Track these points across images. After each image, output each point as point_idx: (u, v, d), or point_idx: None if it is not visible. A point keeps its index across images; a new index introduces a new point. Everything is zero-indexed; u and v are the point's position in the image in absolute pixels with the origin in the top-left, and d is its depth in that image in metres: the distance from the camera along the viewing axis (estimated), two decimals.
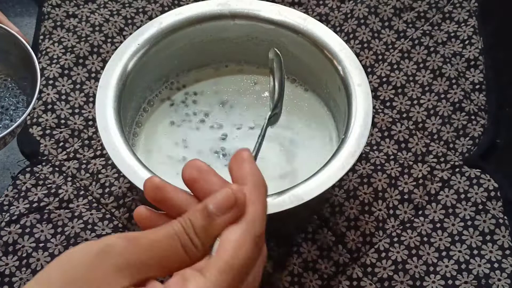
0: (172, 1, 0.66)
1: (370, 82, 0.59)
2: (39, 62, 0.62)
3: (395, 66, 0.63)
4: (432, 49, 0.64)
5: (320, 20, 0.60)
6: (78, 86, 0.61)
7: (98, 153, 0.58)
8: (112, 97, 0.48)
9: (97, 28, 0.64)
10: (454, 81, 0.62)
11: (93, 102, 0.60)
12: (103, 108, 0.47)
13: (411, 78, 0.62)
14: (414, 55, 0.64)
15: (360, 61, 0.52)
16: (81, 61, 0.62)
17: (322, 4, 0.67)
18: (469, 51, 0.64)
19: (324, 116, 0.55)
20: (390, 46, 0.64)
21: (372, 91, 0.51)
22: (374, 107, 0.59)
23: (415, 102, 0.61)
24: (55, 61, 0.62)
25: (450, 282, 0.52)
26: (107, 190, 0.56)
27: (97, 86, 0.49)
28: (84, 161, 0.57)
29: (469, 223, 0.55)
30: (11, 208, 0.54)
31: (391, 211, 0.56)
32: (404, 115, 0.61)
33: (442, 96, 0.61)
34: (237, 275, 0.30)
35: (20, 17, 0.68)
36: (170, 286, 0.28)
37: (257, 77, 0.57)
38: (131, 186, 0.55)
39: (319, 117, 0.54)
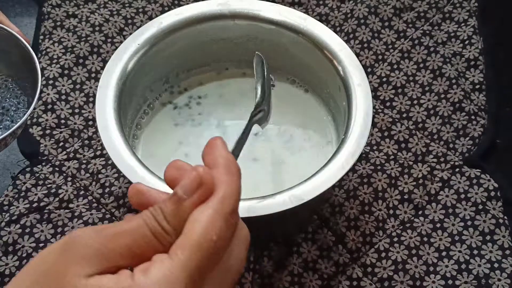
0: (172, 1, 0.66)
1: (370, 82, 0.59)
2: (39, 62, 0.61)
3: (395, 66, 0.63)
4: (432, 49, 0.64)
5: (320, 20, 0.60)
6: (78, 86, 0.61)
7: (98, 153, 0.58)
8: (112, 97, 0.48)
9: (97, 28, 0.64)
10: (454, 81, 0.62)
11: (93, 102, 0.60)
12: (103, 108, 0.47)
13: (411, 78, 0.62)
14: (414, 55, 0.64)
15: (360, 61, 0.52)
16: (81, 61, 0.62)
17: (322, 4, 0.67)
18: (469, 51, 0.64)
19: (324, 119, 0.54)
20: (390, 46, 0.64)
21: (372, 91, 0.51)
22: (374, 107, 0.59)
23: (415, 102, 0.61)
24: (55, 61, 0.62)
25: (450, 282, 0.52)
26: (107, 190, 0.56)
27: (97, 86, 0.49)
28: (84, 161, 0.57)
29: (469, 223, 0.55)
30: (11, 208, 0.54)
31: (391, 211, 0.56)
32: (404, 115, 0.61)
33: (442, 96, 0.61)
34: (207, 255, 0.28)
35: (20, 17, 0.68)
36: (135, 271, 0.28)
37: None
38: None
39: (318, 120, 0.54)
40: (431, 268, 0.53)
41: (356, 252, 0.53)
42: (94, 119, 0.59)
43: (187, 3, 0.65)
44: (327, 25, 0.57)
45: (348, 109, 0.48)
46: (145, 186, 0.32)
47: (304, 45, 0.52)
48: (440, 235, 0.54)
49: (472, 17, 0.66)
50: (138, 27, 0.55)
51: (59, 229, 0.53)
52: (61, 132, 0.59)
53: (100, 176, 0.56)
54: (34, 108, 0.59)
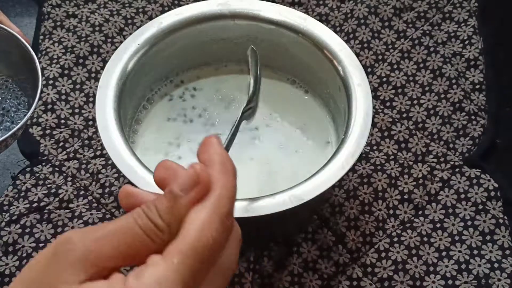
0: (172, 1, 0.66)
1: (370, 82, 0.59)
2: (39, 62, 0.61)
3: (395, 66, 0.63)
4: (432, 49, 0.64)
5: (320, 20, 0.60)
6: (78, 86, 0.61)
7: (98, 153, 0.58)
8: (112, 97, 0.48)
9: (97, 28, 0.64)
10: (454, 81, 0.62)
11: (93, 102, 0.60)
12: (103, 108, 0.47)
13: (411, 78, 0.62)
14: (414, 55, 0.64)
15: (360, 61, 0.52)
16: (81, 61, 0.62)
17: (322, 4, 0.67)
18: (469, 51, 0.64)
19: (324, 119, 0.54)
20: (390, 46, 0.64)
21: (372, 91, 0.51)
22: (374, 107, 0.59)
23: (415, 102, 0.61)
24: (55, 61, 0.62)
25: (450, 282, 0.52)
26: (107, 190, 0.56)
27: (97, 86, 0.49)
28: (84, 161, 0.57)
29: (469, 223, 0.55)
30: (11, 208, 0.54)
31: (391, 211, 0.56)
32: (404, 115, 0.61)
33: (442, 96, 0.61)
34: (202, 259, 0.27)
35: (20, 17, 0.68)
36: (128, 276, 0.27)
37: (263, 80, 0.57)
38: None
39: (318, 120, 0.54)
40: (431, 268, 0.53)
41: (356, 252, 0.53)
42: (94, 119, 0.59)
43: (187, 3, 0.65)
44: (327, 25, 0.57)
45: (348, 109, 0.48)
46: (134, 188, 0.32)
47: (304, 45, 0.52)
48: (440, 235, 0.54)
49: (472, 17, 0.66)
50: (138, 27, 0.55)
51: (59, 229, 0.53)
52: (61, 132, 0.59)
53: (100, 176, 0.56)
54: (35, 109, 0.59)
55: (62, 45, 0.63)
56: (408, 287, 0.52)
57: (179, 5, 0.66)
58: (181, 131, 0.53)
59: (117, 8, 0.66)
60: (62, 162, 0.57)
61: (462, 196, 0.56)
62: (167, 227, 0.28)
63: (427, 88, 0.62)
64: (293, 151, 0.53)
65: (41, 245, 0.53)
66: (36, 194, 0.55)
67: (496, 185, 0.57)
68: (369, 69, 0.63)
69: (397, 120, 0.60)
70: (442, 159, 0.58)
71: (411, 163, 0.58)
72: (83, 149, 0.58)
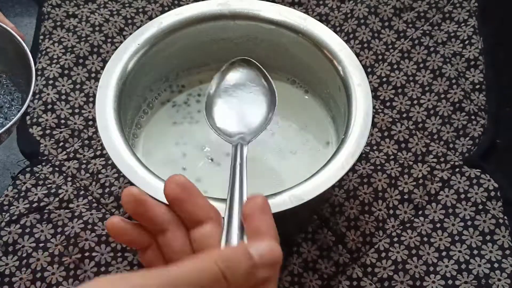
0: (172, 1, 0.66)
1: (370, 82, 0.59)
2: (39, 62, 0.62)
3: (395, 66, 0.63)
4: (432, 49, 0.64)
5: (320, 20, 0.60)
6: (78, 86, 0.61)
7: (98, 153, 0.58)
8: (112, 97, 0.48)
9: (97, 28, 0.64)
10: (454, 81, 0.62)
11: (93, 102, 0.60)
12: (103, 108, 0.47)
13: (411, 78, 0.62)
14: (414, 55, 0.64)
15: (360, 61, 0.52)
16: (81, 61, 0.62)
17: (322, 4, 0.67)
18: (469, 51, 0.64)
19: (324, 119, 0.54)
20: (390, 46, 0.64)
21: (372, 91, 0.51)
22: (374, 107, 0.59)
23: (415, 102, 0.61)
24: (55, 61, 0.62)
25: (450, 282, 0.52)
26: (107, 190, 0.56)
27: (97, 86, 0.49)
28: (84, 161, 0.57)
29: (469, 223, 0.55)
30: (11, 208, 0.54)
31: (391, 211, 0.56)
32: (404, 115, 0.61)
33: (442, 96, 0.61)
34: None
35: (20, 17, 0.68)
36: None
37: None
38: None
39: (318, 120, 0.54)
40: (431, 268, 0.53)
41: (356, 252, 0.53)
42: (94, 119, 0.59)
43: (187, 3, 0.65)
44: (327, 25, 0.57)
45: (348, 109, 0.48)
46: (140, 193, 0.32)
47: (304, 45, 0.52)
48: (440, 235, 0.54)
49: (472, 17, 0.66)
50: (138, 27, 0.55)
51: (59, 229, 0.53)
52: (61, 132, 0.59)
53: (100, 176, 0.56)
54: (34, 108, 0.59)
55: (62, 45, 0.63)
56: (408, 287, 0.52)
57: (179, 5, 0.66)
58: (186, 131, 0.53)
59: (117, 8, 0.66)
60: (62, 162, 0.57)
61: (462, 196, 0.56)
62: None
63: (427, 88, 0.62)
64: (293, 151, 0.53)
65: (41, 245, 0.53)
66: (36, 194, 0.55)
67: (496, 185, 0.57)
68: (369, 69, 0.63)
69: (397, 120, 0.60)
70: (442, 159, 0.58)
71: (411, 163, 0.58)
72: (83, 149, 0.58)
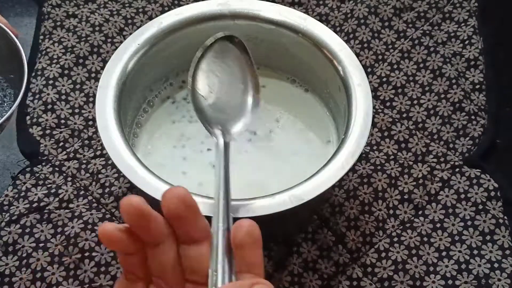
0: (172, 1, 0.66)
1: (370, 82, 0.59)
2: (39, 62, 0.62)
3: (395, 66, 0.63)
4: (432, 49, 0.64)
5: (320, 20, 0.60)
6: (78, 86, 0.61)
7: (98, 153, 0.58)
8: (112, 97, 0.48)
9: (97, 28, 0.64)
10: (454, 81, 0.62)
11: (93, 102, 0.60)
12: (103, 108, 0.47)
13: (411, 78, 0.62)
14: (414, 55, 0.64)
15: (360, 61, 0.52)
16: (81, 61, 0.62)
17: (322, 4, 0.67)
18: (469, 51, 0.64)
19: (324, 119, 0.54)
20: (390, 46, 0.64)
21: (372, 91, 0.51)
22: (374, 107, 0.59)
23: (415, 102, 0.61)
24: (55, 61, 0.62)
25: (450, 282, 0.52)
26: (107, 190, 0.56)
27: (97, 86, 0.49)
28: (84, 161, 0.57)
29: (469, 223, 0.55)
30: (11, 208, 0.54)
31: (391, 211, 0.56)
32: (404, 115, 0.61)
33: (442, 96, 0.61)
34: None
35: (20, 17, 0.68)
36: None
37: (264, 79, 0.56)
38: (131, 186, 0.55)
39: (318, 120, 0.54)
40: (431, 268, 0.53)
41: (356, 252, 0.53)
42: (94, 119, 0.59)
43: (187, 3, 0.65)
44: (327, 25, 0.57)
45: (348, 109, 0.48)
46: (143, 205, 0.30)
47: (304, 45, 0.52)
48: (440, 235, 0.54)
49: (472, 17, 0.66)
50: (138, 27, 0.55)
51: (59, 229, 0.53)
52: (61, 132, 0.59)
53: (100, 176, 0.56)
54: (32, 107, 0.59)
55: (62, 45, 0.63)
56: (408, 287, 0.52)
57: (179, 5, 0.66)
58: (186, 131, 0.53)
59: (117, 8, 0.66)
60: (62, 162, 0.57)
61: (462, 196, 0.56)
62: None
63: (427, 88, 0.62)
64: (293, 150, 0.53)
65: (41, 245, 0.53)
66: (36, 194, 0.55)
67: (496, 185, 0.57)
68: (369, 69, 0.63)
69: (397, 120, 0.60)
70: (442, 159, 0.58)
71: (411, 163, 0.58)
72: (83, 149, 0.58)
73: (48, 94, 0.60)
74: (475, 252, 0.54)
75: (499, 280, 0.52)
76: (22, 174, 0.56)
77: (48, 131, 0.58)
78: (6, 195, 0.55)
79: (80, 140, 0.58)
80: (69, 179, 0.56)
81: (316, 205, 0.55)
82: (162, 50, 0.53)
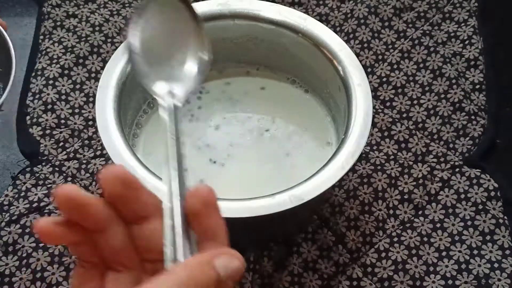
0: None
1: (370, 82, 0.59)
2: (39, 62, 0.62)
3: (395, 66, 0.63)
4: (432, 49, 0.64)
5: (320, 20, 0.60)
6: (78, 86, 0.61)
7: (98, 153, 0.58)
8: (112, 97, 0.48)
9: (97, 28, 0.64)
10: (454, 81, 0.62)
11: (93, 102, 0.60)
12: (103, 108, 0.47)
13: (411, 78, 0.62)
14: (414, 55, 0.64)
15: (360, 61, 0.52)
16: (81, 61, 0.62)
17: (322, 4, 0.67)
18: (469, 51, 0.64)
19: (324, 119, 0.54)
20: (390, 46, 0.64)
21: (372, 91, 0.51)
22: (374, 107, 0.59)
23: (415, 102, 0.61)
24: (55, 61, 0.62)
25: (450, 282, 0.52)
26: None
27: (97, 86, 0.49)
28: (84, 161, 0.57)
29: (469, 223, 0.55)
30: (11, 208, 0.54)
31: (391, 211, 0.56)
32: (404, 115, 0.61)
33: (442, 96, 0.61)
34: None
35: (20, 17, 0.68)
36: None
37: (264, 80, 0.56)
38: None
39: (318, 120, 0.54)
40: (431, 268, 0.53)
41: (356, 252, 0.53)
42: (94, 119, 0.59)
43: None
44: (327, 25, 0.57)
45: (348, 109, 0.48)
46: (76, 192, 0.29)
47: (304, 45, 0.52)
48: (440, 235, 0.54)
49: (472, 17, 0.66)
50: None
51: None
52: (61, 132, 0.59)
53: None
54: (32, 107, 0.59)
55: (62, 45, 0.63)
56: (408, 287, 0.52)
57: None
58: (186, 130, 0.53)
59: (117, 8, 0.66)
60: (62, 162, 0.57)
61: (462, 196, 0.56)
62: None
63: (427, 88, 0.62)
64: (293, 150, 0.53)
65: (41, 245, 0.53)
66: (36, 194, 0.55)
67: (496, 185, 0.57)
68: (369, 69, 0.63)
69: (397, 120, 0.60)
70: (442, 159, 0.58)
71: (411, 163, 0.58)
72: (83, 149, 0.58)
73: (48, 94, 0.60)
74: (475, 252, 0.54)
75: (499, 280, 0.52)
76: (22, 174, 0.56)
77: (48, 131, 0.58)
78: (6, 195, 0.55)
79: (80, 140, 0.58)
80: (69, 179, 0.56)
81: (316, 205, 0.55)
82: None
